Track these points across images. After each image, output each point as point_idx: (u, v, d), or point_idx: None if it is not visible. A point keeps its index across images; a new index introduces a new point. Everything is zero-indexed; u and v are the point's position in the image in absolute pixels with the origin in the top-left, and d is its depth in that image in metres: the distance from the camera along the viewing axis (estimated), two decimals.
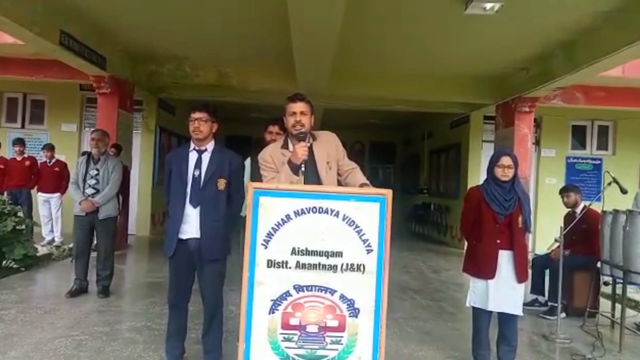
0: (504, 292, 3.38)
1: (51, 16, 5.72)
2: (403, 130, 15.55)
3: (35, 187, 8.00)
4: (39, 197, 7.91)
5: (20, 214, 6.56)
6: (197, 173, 3.13)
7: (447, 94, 8.96)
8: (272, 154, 2.90)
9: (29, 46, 6.49)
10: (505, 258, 3.39)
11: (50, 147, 7.95)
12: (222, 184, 3.15)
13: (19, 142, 8.10)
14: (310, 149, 2.85)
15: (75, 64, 6.88)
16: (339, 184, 2.95)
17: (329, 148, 2.94)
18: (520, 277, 3.40)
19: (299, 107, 2.85)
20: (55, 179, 7.81)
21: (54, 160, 7.93)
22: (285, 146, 2.90)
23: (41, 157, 8.19)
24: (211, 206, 3.13)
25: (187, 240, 3.12)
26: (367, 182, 2.88)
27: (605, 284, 5.07)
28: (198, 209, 3.11)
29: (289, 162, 2.76)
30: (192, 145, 3.20)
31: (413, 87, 8.71)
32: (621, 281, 4.31)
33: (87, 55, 6.63)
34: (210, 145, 3.21)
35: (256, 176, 3.10)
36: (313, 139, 2.92)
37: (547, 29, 6.05)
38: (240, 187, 3.24)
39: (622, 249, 4.17)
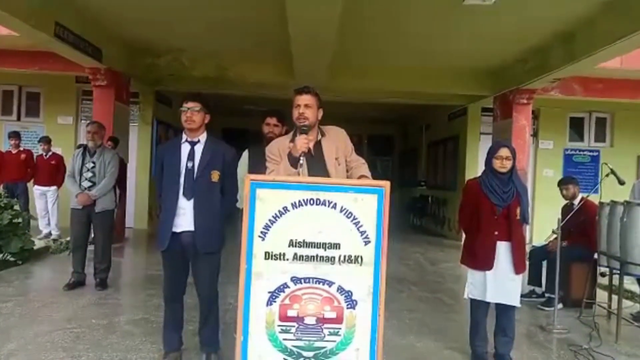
0: (501, 283, 3.39)
1: (46, 8, 5.66)
2: (401, 122, 15.53)
3: (32, 180, 7.97)
4: (35, 191, 7.86)
5: (17, 207, 6.54)
6: (190, 165, 3.09)
7: (444, 86, 8.93)
8: (279, 147, 2.87)
9: (24, 38, 6.43)
10: (503, 250, 3.40)
11: (47, 140, 7.90)
12: (215, 175, 3.12)
13: (15, 135, 8.05)
14: (319, 144, 2.84)
15: (70, 56, 6.82)
16: None
17: (337, 143, 2.91)
18: (518, 269, 3.41)
19: (303, 99, 2.81)
20: (52, 172, 7.78)
21: (50, 153, 7.88)
22: (293, 140, 2.87)
23: (37, 150, 8.14)
24: (205, 198, 3.10)
25: (181, 233, 3.09)
26: (368, 174, 2.86)
27: (602, 275, 5.09)
28: (192, 201, 3.08)
29: (289, 155, 2.75)
30: (185, 137, 3.16)
31: (411, 79, 8.67)
32: (618, 272, 4.32)
33: (82, 47, 6.57)
34: (202, 137, 3.17)
35: (258, 168, 3.08)
36: (322, 134, 2.89)
37: (545, 20, 6.02)
38: (234, 179, 3.22)
39: (619, 240, 4.18)
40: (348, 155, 2.95)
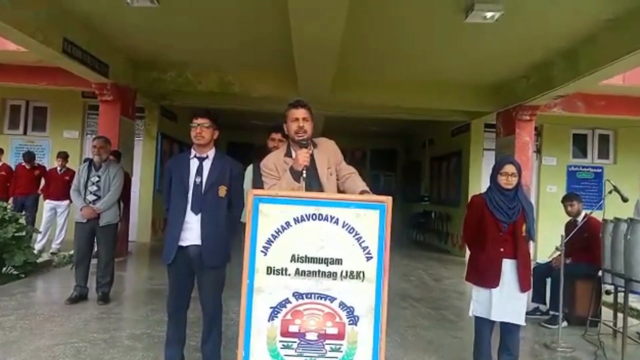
0: (507, 301, 3.36)
1: (54, 24, 5.76)
2: (404, 137, 15.57)
3: (42, 195, 7.99)
4: (46, 205, 7.84)
5: (22, 220, 6.55)
6: (198, 180, 3.14)
7: (447, 102, 8.97)
8: (275, 162, 2.90)
9: (32, 53, 6.53)
10: (508, 267, 3.38)
11: (64, 156, 7.85)
12: (222, 190, 3.16)
13: (29, 157, 8.07)
14: (312, 156, 2.85)
15: (77, 71, 6.91)
16: (338, 188, 2.95)
17: (329, 154, 2.95)
18: (524, 286, 3.38)
19: (301, 113, 2.85)
20: (65, 186, 7.70)
21: (64, 169, 7.84)
22: (288, 154, 2.90)
23: (43, 162, 8.18)
24: (212, 213, 3.14)
25: (187, 247, 3.12)
26: (367, 188, 2.87)
27: (607, 292, 5.04)
28: (199, 215, 3.12)
29: (291, 169, 2.76)
30: (193, 152, 3.22)
31: (414, 95, 8.73)
32: (623, 290, 4.28)
33: (89, 62, 6.67)
34: (211, 152, 3.23)
35: (258, 183, 3.10)
36: (314, 146, 2.92)
37: (547, 37, 6.08)
38: (240, 193, 3.26)
39: (623, 258, 4.15)
40: (338, 164, 2.99)
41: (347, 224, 2.49)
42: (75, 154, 9.61)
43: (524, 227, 3.39)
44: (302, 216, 2.49)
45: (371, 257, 2.49)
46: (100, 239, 5.12)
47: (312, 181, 2.79)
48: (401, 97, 8.80)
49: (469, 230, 3.60)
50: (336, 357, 2.47)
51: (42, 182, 8.17)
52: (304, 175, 2.72)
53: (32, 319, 4.44)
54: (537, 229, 9.41)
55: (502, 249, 3.37)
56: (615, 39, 5.50)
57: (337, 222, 2.49)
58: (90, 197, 5.01)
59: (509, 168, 3.39)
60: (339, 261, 2.48)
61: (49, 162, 9.21)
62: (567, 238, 4.60)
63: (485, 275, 3.41)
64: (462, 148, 10.70)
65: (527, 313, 4.58)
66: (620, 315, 4.58)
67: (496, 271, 3.36)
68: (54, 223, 7.93)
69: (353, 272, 2.48)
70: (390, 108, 9.51)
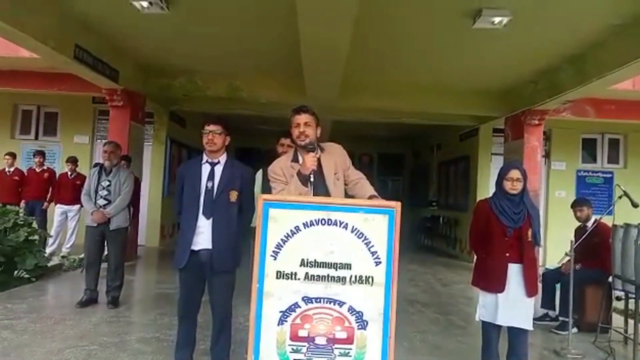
0: (513, 306, 3.35)
1: (66, 30, 5.86)
2: (412, 142, 15.54)
3: (53, 200, 8.07)
4: (57, 209, 7.94)
5: (34, 224, 6.62)
6: (210, 185, 3.18)
7: (455, 107, 8.96)
8: (282, 167, 2.93)
9: (43, 59, 6.63)
10: (514, 272, 3.37)
11: (73, 160, 7.96)
12: (234, 195, 3.20)
13: (39, 153, 8.20)
14: (318, 160, 2.87)
15: (88, 77, 7.01)
16: (346, 193, 2.96)
17: (336, 159, 2.96)
18: (530, 291, 3.37)
19: (302, 118, 2.88)
20: (76, 191, 7.77)
21: (75, 174, 7.93)
22: (295, 159, 2.93)
23: (54, 167, 8.26)
24: (223, 217, 3.17)
25: (198, 251, 3.16)
26: (376, 193, 2.89)
27: (618, 299, 5.00)
28: (211, 220, 3.16)
29: (298, 173, 2.79)
30: (205, 158, 3.26)
31: (422, 99, 8.73)
32: (633, 296, 4.25)
33: (100, 68, 6.76)
34: (222, 158, 3.27)
35: (266, 188, 3.13)
36: (321, 150, 2.94)
37: (555, 42, 6.07)
38: (251, 198, 3.30)
39: (634, 263, 4.12)
40: (346, 170, 3.00)
41: (356, 229, 2.50)
42: (86, 159, 9.70)
43: (529, 232, 3.38)
44: (311, 221, 2.51)
45: (380, 262, 2.50)
46: (110, 242, 5.18)
47: (319, 186, 2.81)
48: (409, 102, 8.80)
49: (475, 235, 3.61)
50: None
51: (50, 188, 8.23)
52: (312, 179, 2.75)
53: (43, 323, 4.49)
54: (546, 235, 9.39)
55: (507, 254, 3.37)
56: (622, 44, 5.48)
57: (346, 226, 2.51)
58: (101, 202, 5.07)
59: (514, 173, 3.39)
60: (348, 266, 2.50)
61: (60, 166, 9.31)
62: (577, 244, 4.58)
63: (491, 279, 3.40)
64: (470, 153, 10.68)
65: (537, 319, 4.59)
66: (631, 322, 4.54)
67: (501, 276, 3.35)
68: (65, 227, 8.02)
69: (362, 276, 2.49)
70: (398, 112, 9.52)
